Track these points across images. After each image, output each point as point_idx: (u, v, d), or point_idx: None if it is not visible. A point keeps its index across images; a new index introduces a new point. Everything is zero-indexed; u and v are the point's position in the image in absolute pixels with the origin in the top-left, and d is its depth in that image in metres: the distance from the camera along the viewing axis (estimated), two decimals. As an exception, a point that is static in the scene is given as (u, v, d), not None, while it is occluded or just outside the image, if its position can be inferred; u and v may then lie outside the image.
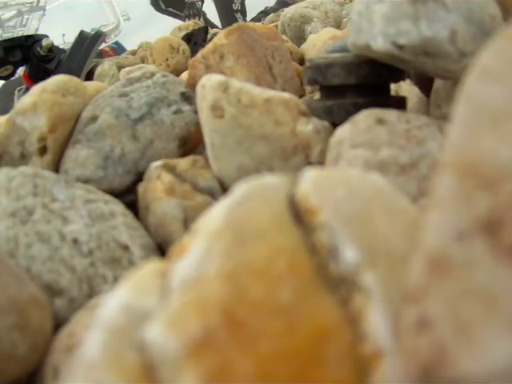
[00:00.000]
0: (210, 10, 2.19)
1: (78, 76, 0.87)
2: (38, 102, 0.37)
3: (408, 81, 0.41)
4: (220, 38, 0.47)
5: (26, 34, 1.22)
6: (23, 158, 0.38)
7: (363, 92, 0.34)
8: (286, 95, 0.32)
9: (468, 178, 0.13)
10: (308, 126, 0.31)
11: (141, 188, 0.35)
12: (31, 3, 1.44)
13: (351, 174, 0.19)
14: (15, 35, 1.21)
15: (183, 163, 0.34)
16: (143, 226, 0.33)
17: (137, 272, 0.18)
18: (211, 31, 1.17)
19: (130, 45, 1.81)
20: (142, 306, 0.16)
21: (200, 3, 2.05)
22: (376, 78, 0.33)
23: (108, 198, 0.34)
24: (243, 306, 0.14)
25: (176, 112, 0.39)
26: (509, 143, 0.13)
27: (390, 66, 0.32)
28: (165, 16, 2.27)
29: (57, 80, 0.39)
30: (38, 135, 0.37)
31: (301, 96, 0.55)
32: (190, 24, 1.33)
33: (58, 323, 0.26)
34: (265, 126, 0.31)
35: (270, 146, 0.31)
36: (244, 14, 2.13)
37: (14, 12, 1.42)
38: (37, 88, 0.38)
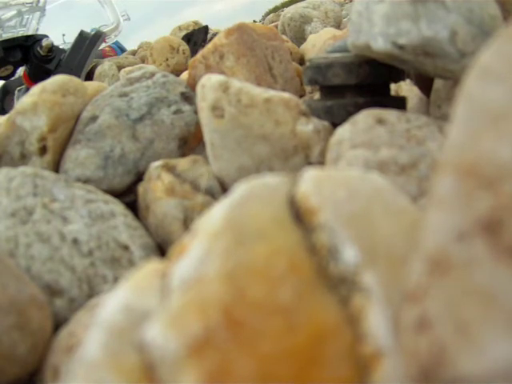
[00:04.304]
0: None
1: (78, 76, 0.87)
2: (38, 102, 0.37)
3: (408, 81, 0.41)
4: (220, 38, 0.47)
5: (25, 34, 1.22)
6: (23, 158, 0.38)
7: (363, 92, 0.34)
8: (286, 95, 0.32)
9: (468, 177, 0.13)
10: (308, 126, 0.31)
11: (141, 188, 0.35)
12: (31, 3, 1.44)
13: (351, 174, 0.19)
14: (15, 35, 1.21)
15: (183, 163, 0.34)
16: (143, 226, 0.33)
17: (137, 272, 0.18)
18: (211, 31, 1.17)
19: (129, 45, 1.82)
20: (142, 306, 0.16)
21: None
22: (376, 77, 0.33)
23: (108, 197, 0.34)
24: (243, 306, 0.14)
25: (176, 112, 0.39)
26: (509, 143, 0.13)
27: (390, 65, 0.32)
28: (165, 16, 2.23)
29: (57, 80, 0.39)
30: (38, 135, 0.37)
31: (301, 96, 0.55)
32: (190, 24, 1.33)
33: (58, 323, 0.26)
34: (265, 126, 0.31)
35: (270, 146, 0.31)
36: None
37: (14, 12, 1.41)
38: (37, 88, 0.38)
